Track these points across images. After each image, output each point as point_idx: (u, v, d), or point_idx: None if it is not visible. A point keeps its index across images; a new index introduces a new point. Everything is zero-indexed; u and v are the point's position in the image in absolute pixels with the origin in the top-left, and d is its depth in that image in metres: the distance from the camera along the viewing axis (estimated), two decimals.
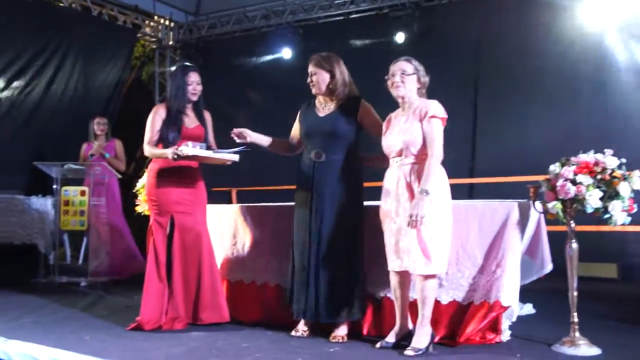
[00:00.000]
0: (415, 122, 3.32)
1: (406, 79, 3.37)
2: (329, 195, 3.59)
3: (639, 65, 6.47)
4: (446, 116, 3.34)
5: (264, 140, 3.93)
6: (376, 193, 3.60)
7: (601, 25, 6.59)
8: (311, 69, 3.74)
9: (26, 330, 3.73)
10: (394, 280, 3.42)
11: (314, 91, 3.77)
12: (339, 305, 3.55)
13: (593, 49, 6.63)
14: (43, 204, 6.88)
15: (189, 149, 3.72)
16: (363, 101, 3.74)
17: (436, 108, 3.32)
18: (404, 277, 3.37)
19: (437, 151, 3.27)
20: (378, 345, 3.40)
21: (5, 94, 7.22)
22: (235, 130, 3.81)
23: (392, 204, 3.37)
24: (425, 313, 3.28)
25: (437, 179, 3.27)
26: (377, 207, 3.54)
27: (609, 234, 5.87)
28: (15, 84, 7.31)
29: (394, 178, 3.38)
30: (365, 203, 3.73)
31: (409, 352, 3.20)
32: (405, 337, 3.38)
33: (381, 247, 3.48)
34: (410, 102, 3.41)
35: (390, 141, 3.42)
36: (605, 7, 6.54)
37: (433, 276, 3.28)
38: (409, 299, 3.45)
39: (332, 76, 3.69)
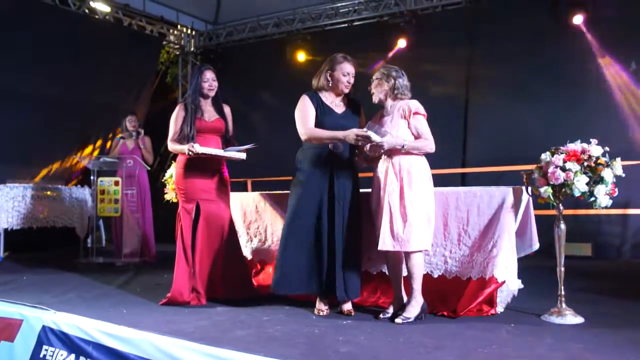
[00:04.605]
0: (400, 120, 3.34)
1: (374, 88, 3.44)
2: (348, 184, 3.51)
3: (617, 64, 6.43)
4: (426, 114, 3.36)
5: None
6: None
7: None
8: (352, 70, 3.54)
9: (71, 304, 3.70)
10: (387, 259, 3.45)
11: (346, 91, 3.58)
12: (357, 284, 3.50)
13: (576, 48, 6.59)
14: (82, 193, 6.90)
15: (200, 147, 3.73)
16: (362, 108, 3.69)
17: (418, 106, 3.35)
18: (396, 255, 3.38)
19: (430, 139, 3.32)
20: (381, 315, 3.38)
21: (54, 95, 7.19)
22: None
23: (381, 192, 3.35)
24: (415, 286, 3.29)
25: (420, 168, 3.31)
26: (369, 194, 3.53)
27: (584, 217, 5.90)
28: (60, 86, 7.28)
29: (383, 169, 3.36)
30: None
31: (398, 320, 3.22)
32: (402, 308, 3.37)
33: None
34: (389, 104, 3.43)
35: None
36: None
37: (419, 253, 3.28)
38: (402, 274, 3.45)
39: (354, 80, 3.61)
